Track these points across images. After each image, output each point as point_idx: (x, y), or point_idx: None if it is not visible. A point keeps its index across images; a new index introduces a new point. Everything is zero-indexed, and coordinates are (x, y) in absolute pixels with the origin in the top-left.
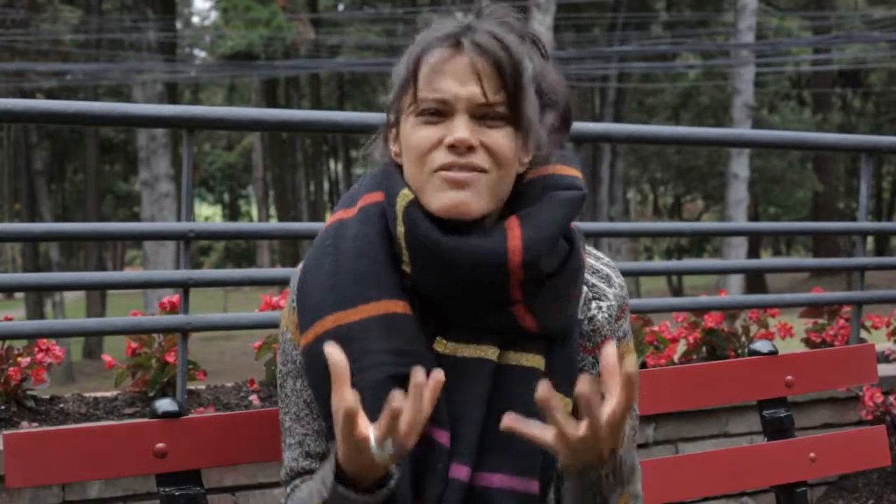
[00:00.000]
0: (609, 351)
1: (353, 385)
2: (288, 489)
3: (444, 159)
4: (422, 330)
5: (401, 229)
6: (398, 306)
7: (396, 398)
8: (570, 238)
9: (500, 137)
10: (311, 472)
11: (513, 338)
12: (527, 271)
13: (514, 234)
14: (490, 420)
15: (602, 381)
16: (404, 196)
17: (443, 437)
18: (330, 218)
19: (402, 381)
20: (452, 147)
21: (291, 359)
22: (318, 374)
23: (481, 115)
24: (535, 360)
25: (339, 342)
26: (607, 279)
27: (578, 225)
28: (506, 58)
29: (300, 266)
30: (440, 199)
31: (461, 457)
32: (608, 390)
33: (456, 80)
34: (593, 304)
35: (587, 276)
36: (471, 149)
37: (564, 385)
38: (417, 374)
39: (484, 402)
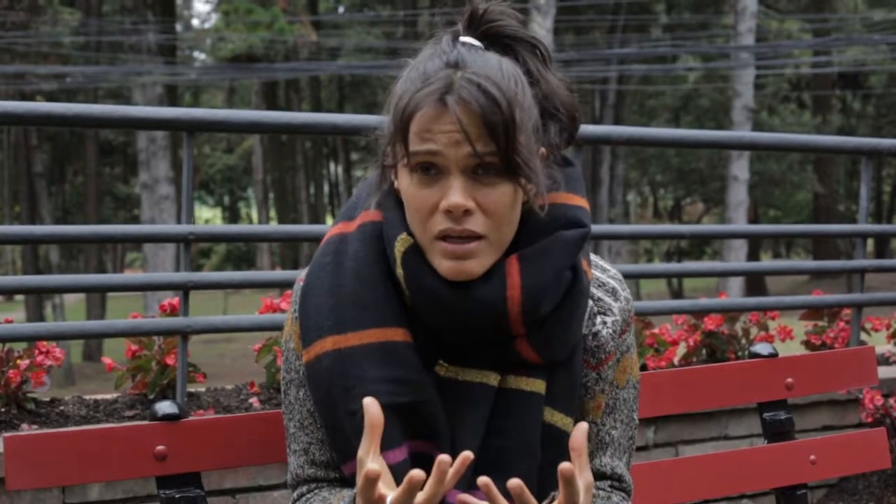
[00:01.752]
0: (578, 434)
1: (353, 412)
2: (295, 494)
3: (443, 225)
4: (422, 355)
5: (400, 272)
6: (397, 334)
7: (416, 475)
8: (574, 266)
9: (498, 196)
10: (316, 479)
11: (515, 363)
12: (526, 316)
13: (514, 281)
14: (488, 443)
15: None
16: (403, 241)
17: None
18: (331, 229)
19: (399, 410)
20: (449, 212)
21: (294, 368)
22: (318, 391)
23: (474, 169)
24: (536, 385)
25: (338, 365)
26: (613, 293)
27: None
28: (494, 111)
29: (302, 275)
30: (443, 266)
31: (458, 483)
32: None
33: (445, 138)
34: (598, 319)
35: (593, 289)
36: (467, 212)
37: (565, 404)
38: (442, 459)
39: (483, 427)
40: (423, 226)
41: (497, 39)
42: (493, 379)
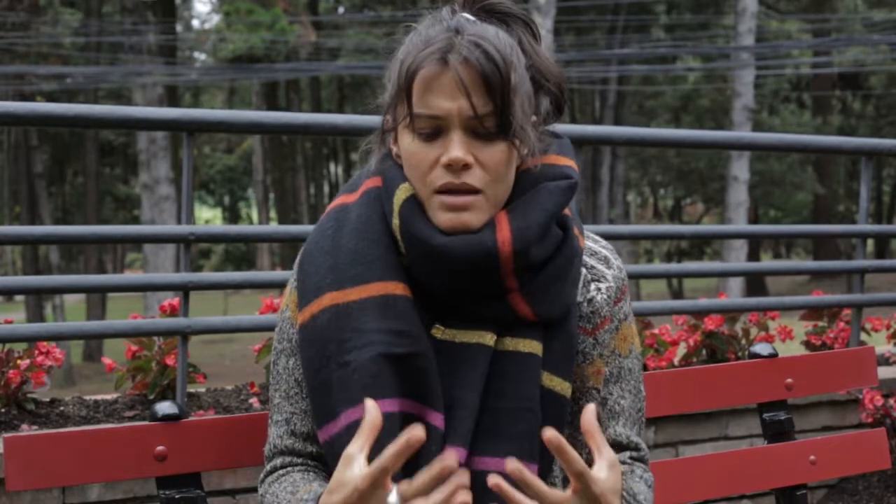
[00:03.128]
0: (587, 415)
1: (346, 364)
2: (268, 466)
3: (443, 179)
4: (420, 313)
5: (396, 222)
6: (397, 288)
7: (417, 432)
8: (564, 225)
9: (496, 153)
10: (293, 451)
11: (510, 324)
12: (517, 260)
13: (503, 226)
14: (487, 405)
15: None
16: (404, 189)
17: (437, 420)
18: (333, 201)
19: (394, 361)
20: (449, 166)
21: (288, 337)
22: (310, 350)
23: (474, 128)
24: (533, 346)
25: (336, 320)
26: (606, 261)
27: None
28: (492, 69)
29: (303, 247)
30: (442, 219)
31: (456, 440)
32: (594, 449)
33: (446, 95)
34: (592, 286)
35: (586, 258)
36: (466, 167)
37: (562, 369)
38: (449, 455)
39: (480, 387)
40: (422, 181)
41: (491, 17)
42: (489, 339)
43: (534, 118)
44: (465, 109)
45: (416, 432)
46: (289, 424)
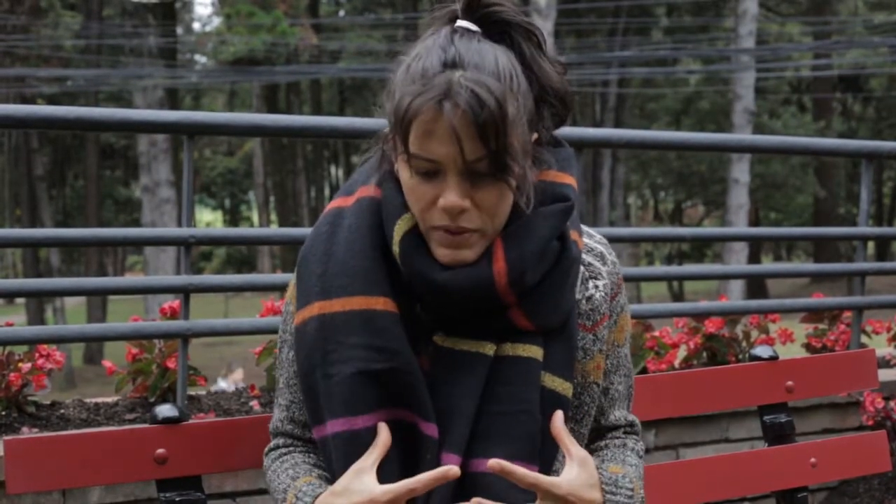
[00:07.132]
0: (556, 421)
1: (329, 376)
2: (271, 444)
3: (440, 220)
4: (410, 326)
5: (396, 249)
6: (378, 303)
7: (454, 468)
8: (561, 234)
9: (492, 194)
10: (293, 436)
11: (510, 331)
12: (514, 287)
13: (499, 255)
14: (485, 409)
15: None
16: (406, 220)
17: (430, 430)
18: (330, 203)
19: (374, 377)
20: (446, 209)
21: (290, 330)
22: (301, 354)
23: (470, 172)
24: (532, 351)
25: (321, 330)
26: (601, 257)
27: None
28: (487, 116)
29: (302, 248)
30: (440, 253)
31: (451, 447)
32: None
33: (441, 141)
34: (590, 284)
35: (583, 255)
36: (462, 210)
37: (564, 370)
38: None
39: (478, 394)
40: (421, 216)
41: (493, 24)
42: (488, 348)
43: (535, 135)
44: (459, 156)
45: (453, 468)
46: (289, 411)
